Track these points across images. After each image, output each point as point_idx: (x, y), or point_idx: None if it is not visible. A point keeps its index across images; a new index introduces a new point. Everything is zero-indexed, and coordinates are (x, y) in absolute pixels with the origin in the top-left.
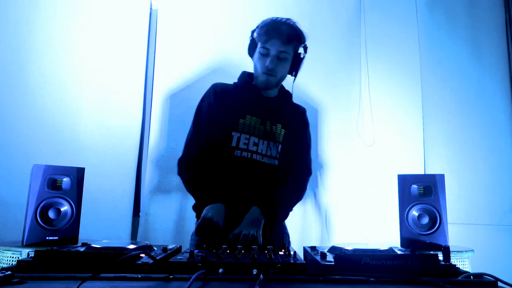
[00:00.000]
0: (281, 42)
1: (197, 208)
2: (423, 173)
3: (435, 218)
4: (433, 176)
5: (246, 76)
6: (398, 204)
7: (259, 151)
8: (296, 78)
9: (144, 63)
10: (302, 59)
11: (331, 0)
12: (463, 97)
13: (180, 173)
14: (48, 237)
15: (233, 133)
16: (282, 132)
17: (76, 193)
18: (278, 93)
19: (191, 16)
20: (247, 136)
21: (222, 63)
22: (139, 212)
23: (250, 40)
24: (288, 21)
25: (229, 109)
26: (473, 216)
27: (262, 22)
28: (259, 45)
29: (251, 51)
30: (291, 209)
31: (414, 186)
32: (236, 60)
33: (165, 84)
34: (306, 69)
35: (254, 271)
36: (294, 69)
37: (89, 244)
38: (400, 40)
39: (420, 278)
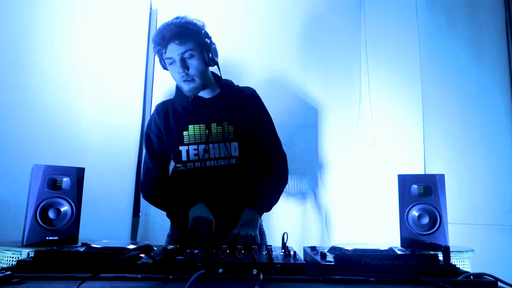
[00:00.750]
0: (177, 44)
1: (171, 216)
2: (423, 173)
3: (435, 218)
4: (433, 176)
5: (179, 88)
6: (398, 204)
7: (212, 156)
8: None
9: (144, 63)
10: (209, 46)
11: (331, 0)
12: (463, 97)
13: (145, 196)
14: (48, 237)
15: (180, 148)
16: (231, 129)
17: (76, 193)
18: (219, 89)
19: (191, 16)
20: (195, 147)
21: (221, 63)
22: (139, 212)
23: (158, 56)
24: (173, 21)
25: (173, 126)
26: (473, 216)
27: (154, 34)
28: (164, 57)
29: (163, 64)
30: (279, 196)
31: (414, 186)
32: (235, 60)
33: (165, 84)
34: (306, 69)
35: (254, 271)
36: (208, 59)
37: (89, 244)
38: (400, 40)
39: (420, 278)
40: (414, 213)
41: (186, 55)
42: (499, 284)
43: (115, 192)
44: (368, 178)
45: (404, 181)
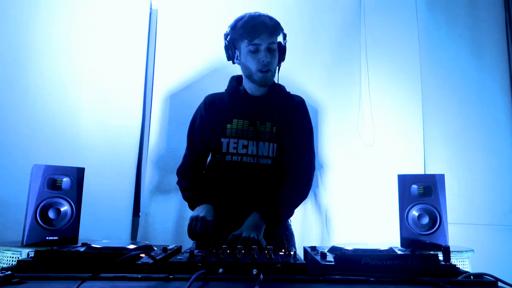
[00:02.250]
0: (268, 34)
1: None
2: (423, 173)
3: (435, 218)
4: (433, 176)
5: (233, 81)
6: (398, 204)
7: (250, 152)
8: (297, 78)
9: (144, 63)
10: (284, 47)
11: (331, 0)
12: (463, 97)
13: (178, 182)
14: (48, 237)
15: (222, 140)
16: (274, 130)
17: (76, 193)
18: (267, 90)
19: (191, 16)
20: (235, 140)
21: (222, 63)
22: (139, 212)
23: (226, 44)
24: (261, 14)
25: (218, 117)
26: (473, 216)
27: (236, 22)
28: (244, 44)
29: (231, 54)
30: (294, 209)
31: (414, 186)
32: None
33: (165, 84)
34: (306, 69)
35: (254, 271)
36: (281, 59)
37: (89, 244)
38: (400, 40)
39: (420, 278)
40: (414, 213)
41: (273, 47)
42: (499, 284)
43: (115, 192)
44: (368, 178)
45: (404, 181)
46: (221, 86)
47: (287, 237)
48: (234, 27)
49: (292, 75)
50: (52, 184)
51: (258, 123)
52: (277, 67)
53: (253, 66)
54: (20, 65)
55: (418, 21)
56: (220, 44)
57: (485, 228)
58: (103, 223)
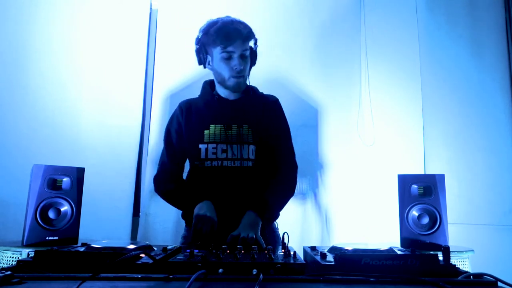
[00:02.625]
0: (241, 41)
1: (186, 217)
2: (423, 173)
3: (435, 218)
4: (433, 176)
5: (206, 86)
6: (398, 204)
7: (229, 156)
8: (297, 78)
9: (144, 63)
10: (255, 52)
11: (331, 0)
12: (463, 97)
13: (157, 189)
14: (48, 237)
15: (200, 146)
16: (250, 132)
17: (76, 193)
18: (241, 93)
19: (191, 16)
20: (214, 145)
21: None
22: (139, 212)
23: (197, 48)
24: (233, 18)
25: (195, 123)
26: (473, 216)
27: (209, 27)
28: (217, 50)
29: (202, 58)
30: (283, 206)
31: (414, 186)
32: None
33: (165, 84)
34: (306, 69)
35: (254, 271)
36: (252, 64)
37: (89, 244)
38: (400, 40)
39: (420, 278)
40: (414, 213)
41: (246, 53)
42: (499, 284)
43: (115, 192)
44: (368, 178)
45: (404, 181)
46: None
47: (279, 238)
48: (206, 32)
49: (292, 75)
50: (52, 184)
51: (234, 126)
52: (249, 71)
53: (226, 73)
54: (20, 65)
55: (418, 21)
56: None
57: (485, 228)
58: (103, 223)
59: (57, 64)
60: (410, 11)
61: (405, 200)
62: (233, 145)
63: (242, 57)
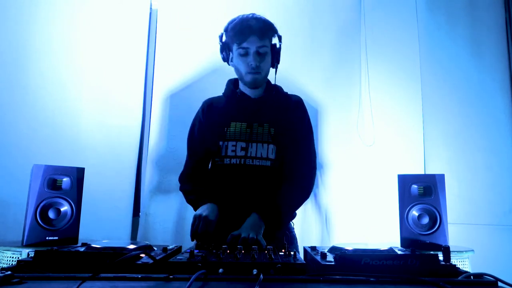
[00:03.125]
0: (257, 37)
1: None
2: (423, 173)
3: (435, 218)
4: (433, 176)
5: (230, 84)
6: (398, 204)
7: (249, 154)
8: (297, 78)
9: (144, 63)
10: (279, 49)
11: (331, 0)
12: (463, 97)
13: (181, 187)
14: (48, 237)
15: (220, 143)
16: (272, 132)
17: (76, 193)
18: (264, 92)
19: (191, 16)
20: (234, 143)
21: (222, 63)
22: (139, 212)
23: (221, 46)
24: (254, 15)
25: (216, 121)
26: (473, 216)
27: (228, 25)
28: (235, 47)
29: (226, 56)
30: (296, 209)
31: (414, 186)
32: None
33: (165, 84)
34: (306, 69)
35: (254, 271)
36: (274, 61)
37: (89, 244)
38: (400, 40)
39: (420, 278)
40: (414, 213)
41: (262, 50)
42: (499, 284)
43: (115, 192)
44: (368, 178)
45: (404, 181)
46: (221, 86)
47: (288, 237)
48: (226, 29)
49: (292, 75)
50: (52, 184)
51: (255, 125)
52: (275, 69)
53: (242, 68)
54: (20, 65)
55: (418, 21)
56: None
57: (485, 228)
58: (103, 223)
59: (57, 64)
60: (410, 11)
61: (405, 200)
62: (252, 144)
63: (258, 54)
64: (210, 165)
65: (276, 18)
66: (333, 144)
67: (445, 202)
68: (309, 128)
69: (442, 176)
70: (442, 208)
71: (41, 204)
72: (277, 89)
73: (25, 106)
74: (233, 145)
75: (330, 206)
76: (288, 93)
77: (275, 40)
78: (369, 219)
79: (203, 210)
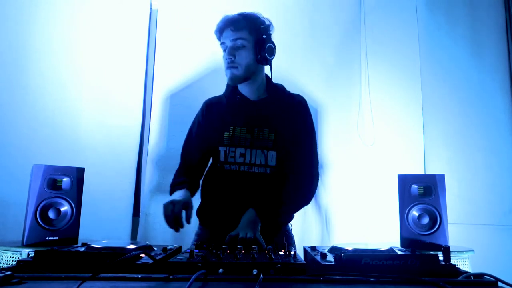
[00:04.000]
0: (231, 30)
1: (200, 214)
2: (423, 173)
3: (435, 218)
4: (433, 176)
5: (230, 85)
6: (398, 204)
7: (247, 161)
8: (297, 78)
9: (144, 63)
10: (264, 42)
11: (331, 0)
12: (463, 97)
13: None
14: (48, 237)
15: (220, 148)
16: (272, 137)
17: (76, 193)
18: (267, 93)
19: (191, 16)
20: (233, 149)
21: (222, 63)
22: (139, 212)
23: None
24: (241, 12)
25: (215, 125)
26: (473, 216)
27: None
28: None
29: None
30: (294, 212)
31: (414, 186)
32: None
33: (165, 84)
34: (306, 69)
35: (254, 271)
36: (260, 56)
37: (89, 244)
38: (400, 40)
39: (420, 278)
40: (414, 213)
41: (238, 43)
42: (499, 284)
43: (115, 192)
44: (368, 178)
45: (404, 181)
46: (221, 86)
47: (287, 237)
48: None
49: (292, 75)
50: (52, 184)
51: (256, 130)
52: (269, 66)
53: (224, 64)
54: (20, 65)
55: (418, 21)
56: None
57: (485, 228)
58: (103, 223)
59: (57, 64)
60: (410, 11)
61: (405, 200)
62: (252, 150)
63: (234, 47)
64: (208, 168)
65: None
66: (333, 144)
67: (445, 202)
68: (311, 132)
69: (442, 176)
70: (442, 208)
71: (41, 204)
72: (278, 89)
73: (25, 106)
74: (232, 151)
75: (330, 206)
76: (291, 92)
77: (259, 33)
78: (369, 219)
79: (173, 196)
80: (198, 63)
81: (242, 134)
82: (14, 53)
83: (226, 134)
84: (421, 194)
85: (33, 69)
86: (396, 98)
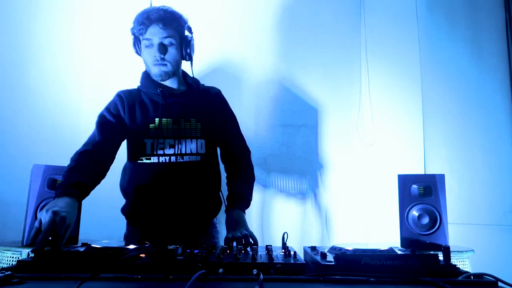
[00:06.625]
0: (159, 28)
1: (125, 212)
2: (423, 173)
3: (435, 218)
4: (433, 176)
5: (147, 77)
6: (398, 204)
7: (178, 151)
8: (297, 78)
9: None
10: (190, 40)
11: (331, 0)
12: (463, 97)
13: (72, 161)
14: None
15: (145, 140)
16: (198, 126)
17: None
18: (186, 85)
19: (191, 16)
20: (161, 140)
21: (222, 63)
22: None
23: (133, 39)
24: (161, 7)
25: (138, 117)
26: (473, 216)
27: (136, 16)
28: (141, 38)
29: (137, 49)
30: (252, 192)
31: (414, 186)
32: (236, 60)
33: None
34: (307, 69)
35: (254, 271)
36: (186, 53)
37: (89, 244)
38: (400, 40)
39: (420, 278)
40: (414, 213)
41: (166, 41)
42: (499, 284)
43: (115, 192)
44: (368, 178)
45: (404, 181)
46: (221, 86)
47: (218, 233)
48: (134, 20)
49: (292, 74)
50: (52, 184)
51: (182, 120)
52: (190, 62)
53: (148, 60)
54: (20, 65)
55: (418, 21)
56: (220, 44)
57: (485, 228)
58: (103, 223)
59: (57, 64)
60: (410, 11)
61: (405, 200)
62: (181, 140)
63: (163, 45)
64: (130, 163)
65: (276, 18)
66: (333, 144)
67: (445, 202)
68: (233, 117)
69: (442, 176)
70: (442, 208)
71: (41, 204)
72: (196, 83)
73: (25, 106)
74: (160, 143)
75: (330, 206)
76: (205, 85)
77: (184, 32)
78: (369, 219)
79: (60, 204)
80: (198, 63)
81: (169, 125)
82: (14, 53)
83: (151, 125)
84: (421, 194)
85: (33, 69)
86: (396, 98)
